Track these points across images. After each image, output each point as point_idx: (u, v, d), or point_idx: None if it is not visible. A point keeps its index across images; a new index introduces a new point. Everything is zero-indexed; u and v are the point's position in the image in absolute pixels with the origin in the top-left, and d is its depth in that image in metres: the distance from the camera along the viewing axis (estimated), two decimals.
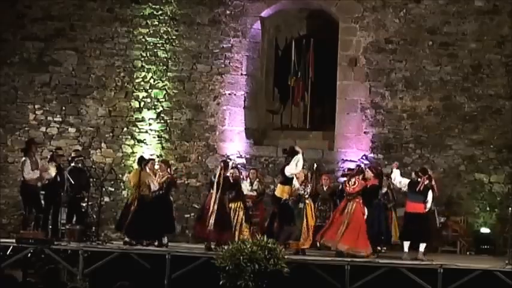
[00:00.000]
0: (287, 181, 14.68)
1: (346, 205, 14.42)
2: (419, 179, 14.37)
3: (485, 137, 17.56)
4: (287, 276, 12.40)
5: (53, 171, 15.41)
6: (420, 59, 17.87)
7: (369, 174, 14.82)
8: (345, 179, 15.47)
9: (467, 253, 16.84)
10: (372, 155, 17.86)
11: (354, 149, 17.95)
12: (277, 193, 14.84)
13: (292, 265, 12.67)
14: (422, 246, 14.27)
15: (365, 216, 14.51)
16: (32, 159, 15.14)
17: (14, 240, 14.59)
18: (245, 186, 16.20)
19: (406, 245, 14.32)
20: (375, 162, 17.10)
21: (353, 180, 14.52)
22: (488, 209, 17.37)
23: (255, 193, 16.29)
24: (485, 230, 17.17)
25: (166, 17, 18.69)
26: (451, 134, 17.70)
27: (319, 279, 13.00)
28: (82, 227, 15.51)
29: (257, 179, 16.56)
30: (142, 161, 15.43)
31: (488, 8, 17.70)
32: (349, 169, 17.04)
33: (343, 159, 17.92)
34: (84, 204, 16.08)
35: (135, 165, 16.06)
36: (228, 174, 14.92)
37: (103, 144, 18.68)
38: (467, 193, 17.46)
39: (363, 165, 15.87)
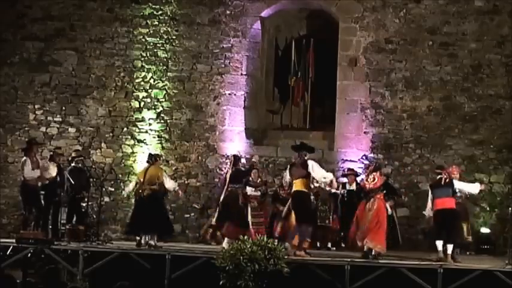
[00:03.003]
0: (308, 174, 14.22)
1: (367, 203, 13.86)
2: (439, 176, 14.04)
3: (485, 137, 17.55)
4: (287, 276, 12.40)
5: (53, 171, 15.42)
6: (420, 59, 17.87)
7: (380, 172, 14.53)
8: (362, 177, 15.31)
9: (467, 253, 16.82)
10: (372, 155, 17.85)
11: (354, 149, 17.94)
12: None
13: (292, 265, 12.67)
14: (450, 247, 13.85)
15: (388, 213, 14.16)
16: (33, 159, 15.15)
17: (14, 240, 14.60)
18: (248, 187, 16.21)
19: (440, 244, 13.83)
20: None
21: (371, 176, 14.02)
22: (488, 209, 17.37)
23: (258, 193, 16.28)
24: (485, 230, 17.16)
25: (166, 17, 18.70)
26: (451, 134, 17.69)
27: (319, 279, 12.99)
28: (82, 227, 15.52)
29: (260, 179, 16.57)
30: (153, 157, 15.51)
31: (488, 8, 17.70)
32: (349, 169, 17.09)
33: (343, 159, 17.91)
34: (84, 204, 16.10)
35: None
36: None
37: (103, 144, 18.68)
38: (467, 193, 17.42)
39: (377, 163, 15.66)
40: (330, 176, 14.23)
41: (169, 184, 15.24)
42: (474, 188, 14.29)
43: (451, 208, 13.89)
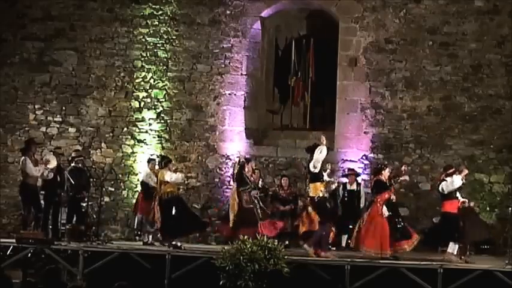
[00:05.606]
0: (316, 177, 14.27)
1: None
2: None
3: (485, 137, 17.55)
4: (287, 276, 12.40)
5: (54, 162, 15.36)
6: (420, 59, 17.87)
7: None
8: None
9: (467, 253, 16.81)
10: (372, 155, 17.85)
11: (354, 149, 17.94)
12: (312, 193, 14.30)
13: (292, 265, 12.67)
14: (450, 246, 13.98)
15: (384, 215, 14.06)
16: (32, 158, 15.13)
17: (14, 240, 14.60)
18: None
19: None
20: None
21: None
22: (488, 209, 17.36)
23: (262, 194, 16.27)
24: None
25: (166, 17, 18.70)
26: (451, 134, 17.69)
27: (319, 279, 13.00)
28: (82, 227, 15.52)
29: (261, 179, 16.58)
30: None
31: (488, 8, 17.69)
32: (349, 169, 17.10)
33: (343, 159, 17.90)
34: (84, 204, 16.10)
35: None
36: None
37: (103, 144, 18.69)
38: (468, 193, 17.42)
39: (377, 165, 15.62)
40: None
41: (174, 177, 15.16)
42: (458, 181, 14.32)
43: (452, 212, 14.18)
